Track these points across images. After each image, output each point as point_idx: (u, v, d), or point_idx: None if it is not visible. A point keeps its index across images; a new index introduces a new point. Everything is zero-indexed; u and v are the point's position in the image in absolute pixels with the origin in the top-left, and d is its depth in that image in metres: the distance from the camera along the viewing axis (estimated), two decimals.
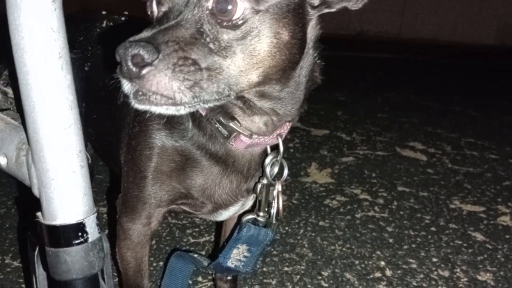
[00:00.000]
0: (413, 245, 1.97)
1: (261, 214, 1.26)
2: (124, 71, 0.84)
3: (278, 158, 1.19)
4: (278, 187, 1.23)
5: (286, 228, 2.04)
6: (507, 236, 2.07)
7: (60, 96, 0.79)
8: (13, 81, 0.96)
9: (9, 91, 1.03)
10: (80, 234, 0.81)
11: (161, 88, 0.83)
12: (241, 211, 1.33)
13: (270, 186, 1.23)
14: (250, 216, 1.26)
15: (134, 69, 0.82)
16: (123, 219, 1.24)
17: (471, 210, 2.30)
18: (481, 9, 7.48)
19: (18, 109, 0.96)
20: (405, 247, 1.96)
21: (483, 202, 2.39)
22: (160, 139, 1.15)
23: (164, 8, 0.93)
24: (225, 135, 1.11)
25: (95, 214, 0.84)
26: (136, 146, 1.17)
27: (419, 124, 3.63)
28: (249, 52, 0.90)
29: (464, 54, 6.91)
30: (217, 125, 1.10)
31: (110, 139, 1.37)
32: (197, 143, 1.15)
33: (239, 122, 1.10)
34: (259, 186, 1.22)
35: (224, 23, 0.88)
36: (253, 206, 1.30)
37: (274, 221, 1.26)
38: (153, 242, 1.88)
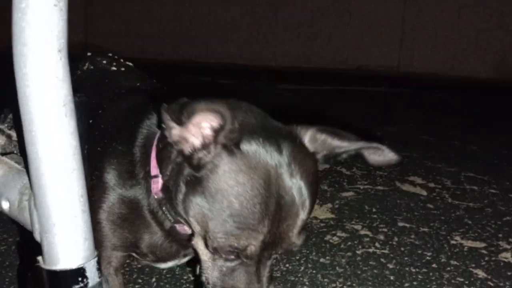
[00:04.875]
0: (415, 283, 1.95)
1: None
2: None
3: None
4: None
5: (287, 265, 2.03)
6: (509, 273, 2.05)
7: (64, 142, 0.81)
8: (17, 125, 0.98)
9: (13, 134, 1.05)
10: (80, 279, 0.82)
11: None
12: (179, 264, 1.50)
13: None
14: None
15: None
16: None
17: (472, 246, 2.29)
18: (478, 43, 7.59)
19: (22, 152, 0.98)
20: (406, 284, 1.94)
21: (484, 238, 2.38)
22: (114, 195, 1.26)
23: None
24: (171, 221, 1.22)
25: (96, 259, 0.84)
26: (92, 197, 1.24)
27: (419, 158, 3.64)
28: None
29: (462, 89, 6.97)
30: (167, 212, 1.20)
31: None
32: (148, 210, 1.26)
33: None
34: (198, 268, 1.25)
35: None
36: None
37: None
38: (153, 280, 1.87)
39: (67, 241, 0.81)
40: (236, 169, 0.96)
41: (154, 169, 1.18)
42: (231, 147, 0.97)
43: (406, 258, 2.15)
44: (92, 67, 1.65)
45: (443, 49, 7.64)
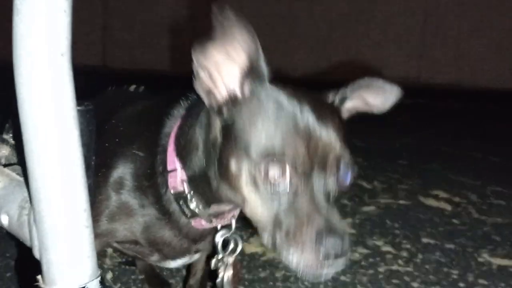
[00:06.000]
0: None
1: None
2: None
3: (229, 234, 1.26)
4: (229, 260, 1.28)
5: (305, 283, 1.94)
6: None
7: (66, 153, 0.75)
8: (17, 134, 0.93)
9: None
10: None
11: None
12: (190, 261, 1.45)
13: (223, 258, 1.28)
14: None
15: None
16: None
17: (501, 264, 2.17)
18: (499, 53, 7.44)
19: (22, 163, 0.93)
20: None
21: None
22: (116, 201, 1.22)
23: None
24: (188, 216, 1.20)
25: (99, 278, 0.78)
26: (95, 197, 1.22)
27: (441, 171, 3.52)
28: None
29: (483, 99, 6.82)
30: (183, 205, 1.19)
31: None
32: (159, 211, 1.22)
33: (208, 208, 1.18)
34: (213, 260, 1.27)
35: None
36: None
37: None
38: None
39: (68, 259, 0.75)
40: (265, 98, 1.01)
41: (171, 164, 1.18)
42: (258, 83, 1.02)
43: (431, 277, 2.04)
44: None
45: (464, 59, 7.51)
